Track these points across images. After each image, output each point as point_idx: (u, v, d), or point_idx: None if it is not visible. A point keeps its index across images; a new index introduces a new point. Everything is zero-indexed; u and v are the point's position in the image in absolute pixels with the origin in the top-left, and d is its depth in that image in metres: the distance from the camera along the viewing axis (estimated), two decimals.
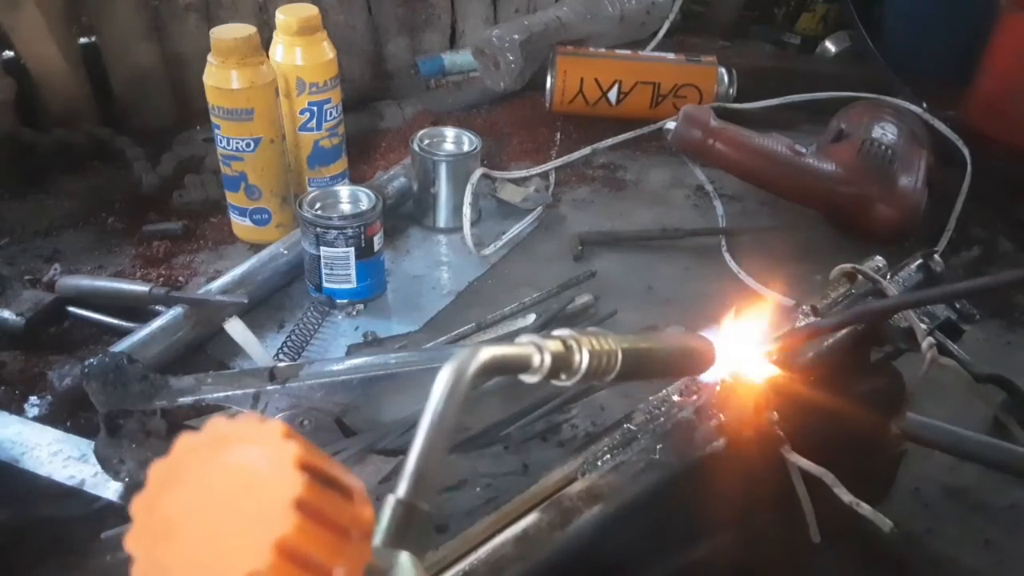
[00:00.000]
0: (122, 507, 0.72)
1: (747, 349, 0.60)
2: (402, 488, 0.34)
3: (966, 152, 1.24)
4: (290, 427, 0.29)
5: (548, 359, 0.41)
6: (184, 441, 0.29)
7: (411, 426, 0.80)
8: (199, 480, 0.28)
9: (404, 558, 0.33)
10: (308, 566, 0.27)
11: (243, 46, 0.99)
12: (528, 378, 0.41)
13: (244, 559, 0.26)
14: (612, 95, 1.42)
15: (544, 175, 1.28)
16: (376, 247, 0.99)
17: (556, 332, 0.43)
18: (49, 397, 0.86)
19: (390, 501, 0.34)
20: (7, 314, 0.93)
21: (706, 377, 0.59)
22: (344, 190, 1.02)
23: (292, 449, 0.28)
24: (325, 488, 0.28)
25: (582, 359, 0.43)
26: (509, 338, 0.94)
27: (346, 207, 1.00)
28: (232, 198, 1.09)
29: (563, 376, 0.43)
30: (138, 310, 0.94)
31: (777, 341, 0.61)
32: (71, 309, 0.97)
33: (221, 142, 1.05)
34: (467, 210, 1.12)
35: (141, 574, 0.27)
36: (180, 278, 1.05)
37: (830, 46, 1.74)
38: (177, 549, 0.27)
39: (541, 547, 0.49)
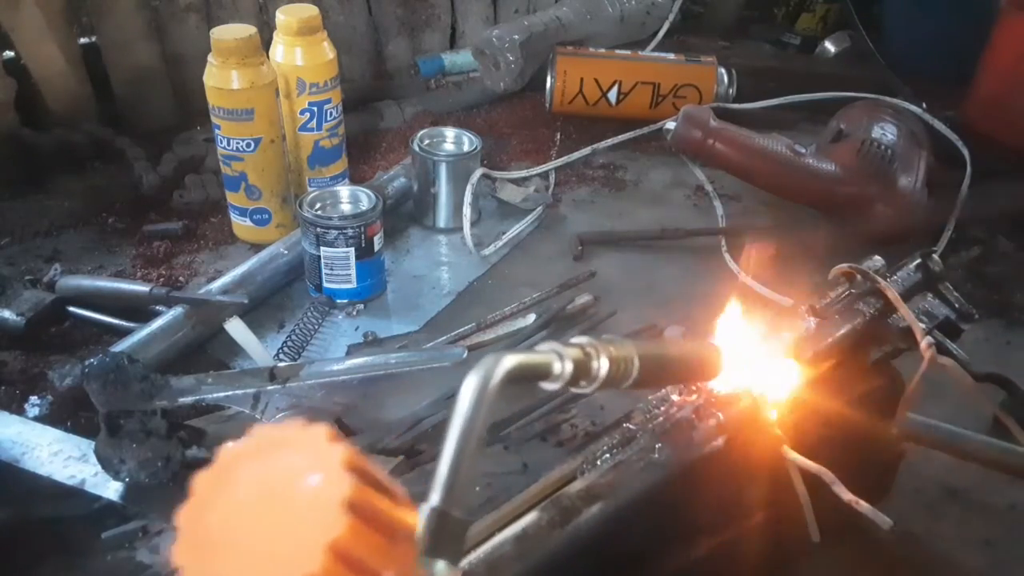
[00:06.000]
0: (122, 507, 0.73)
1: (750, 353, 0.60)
2: (435, 496, 0.34)
3: (966, 152, 1.24)
4: (334, 430, 0.28)
5: (569, 366, 0.41)
6: (227, 450, 0.29)
7: (412, 426, 0.80)
8: (246, 487, 0.28)
9: (440, 567, 0.33)
10: (359, 569, 0.27)
11: (243, 46, 0.99)
12: (549, 385, 0.42)
13: (296, 563, 0.26)
14: (612, 95, 1.42)
15: (544, 175, 1.28)
16: (376, 247, 0.99)
17: (575, 339, 0.43)
18: (49, 397, 0.86)
19: (424, 510, 0.34)
20: (7, 314, 0.93)
21: (714, 384, 0.59)
22: (344, 190, 1.02)
23: (339, 452, 0.28)
24: (372, 490, 0.28)
25: (600, 366, 0.43)
26: (510, 337, 0.94)
27: (346, 207, 1.00)
28: (232, 198, 1.09)
29: (583, 383, 0.43)
30: (138, 310, 0.95)
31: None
32: (71, 309, 0.97)
33: (221, 142, 1.05)
34: (467, 210, 1.12)
35: None
36: (180, 278, 1.05)
37: (830, 46, 1.74)
38: (226, 557, 0.27)
39: (540, 546, 0.49)
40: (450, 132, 1.18)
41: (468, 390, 0.37)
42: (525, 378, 0.40)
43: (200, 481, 0.29)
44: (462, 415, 0.36)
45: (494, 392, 0.37)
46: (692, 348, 0.54)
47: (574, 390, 0.43)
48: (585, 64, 1.42)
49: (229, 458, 0.29)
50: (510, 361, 0.38)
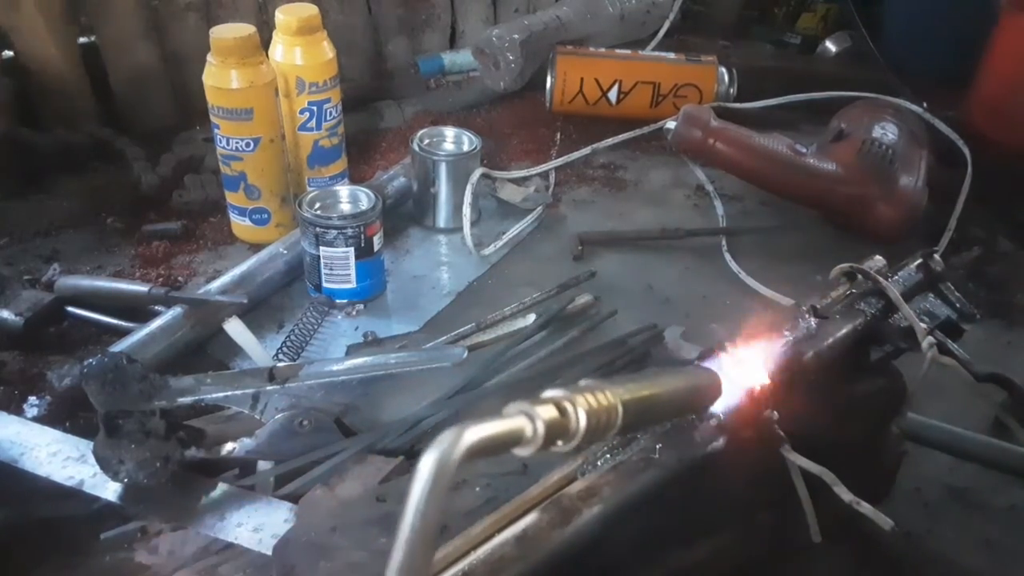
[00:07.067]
0: (121, 508, 0.72)
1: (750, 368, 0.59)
2: None
3: (966, 152, 1.24)
4: None
5: (541, 428, 0.36)
6: None
7: (412, 426, 0.80)
8: None
9: None
10: None
11: (243, 46, 0.99)
12: (521, 452, 0.37)
13: None
14: (612, 95, 1.42)
15: (544, 175, 1.28)
16: (376, 247, 0.99)
17: (547, 393, 0.38)
18: (48, 397, 0.86)
19: None
20: (6, 314, 0.93)
21: (715, 408, 0.57)
22: (344, 190, 1.02)
23: None
24: None
25: (579, 421, 0.38)
26: (510, 337, 0.94)
27: (346, 207, 1.00)
28: (232, 198, 1.09)
29: (560, 443, 0.38)
30: (137, 310, 0.94)
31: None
32: (70, 309, 0.96)
33: (221, 142, 1.05)
34: (467, 210, 1.11)
35: None
36: (180, 278, 1.05)
37: (830, 46, 1.74)
38: None
39: (541, 547, 0.49)
40: (450, 132, 1.18)
41: (422, 474, 0.32)
42: (491, 451, 0.34)
43: None
44: (415, 503, 0.32)
45: (451, 475, 0.32)
46: (685, 380, 0.51)
47: (553, 450, 0.38)
48: (585, 64, 1.42)
49: None
50: (470, 436, 0.33)
